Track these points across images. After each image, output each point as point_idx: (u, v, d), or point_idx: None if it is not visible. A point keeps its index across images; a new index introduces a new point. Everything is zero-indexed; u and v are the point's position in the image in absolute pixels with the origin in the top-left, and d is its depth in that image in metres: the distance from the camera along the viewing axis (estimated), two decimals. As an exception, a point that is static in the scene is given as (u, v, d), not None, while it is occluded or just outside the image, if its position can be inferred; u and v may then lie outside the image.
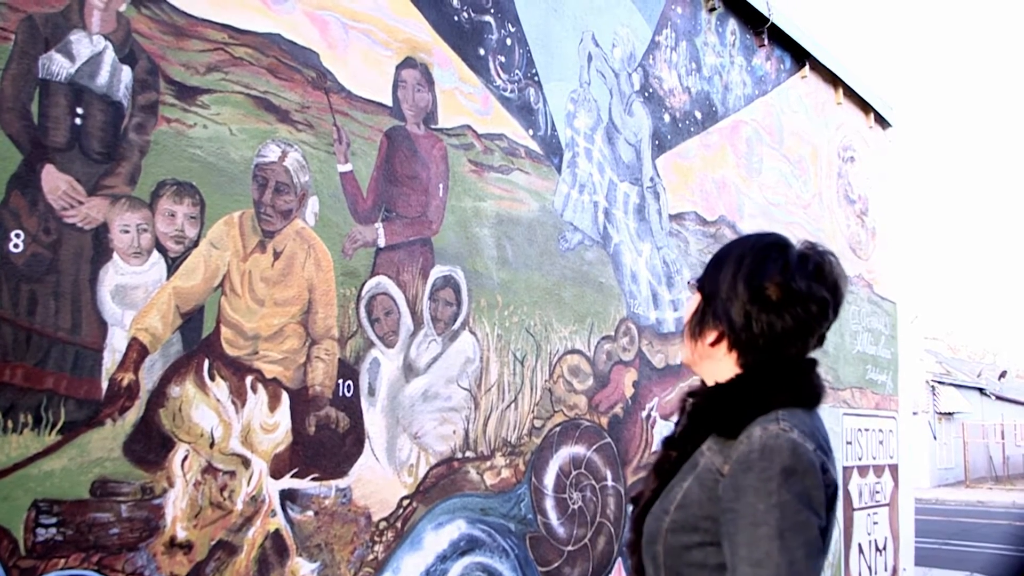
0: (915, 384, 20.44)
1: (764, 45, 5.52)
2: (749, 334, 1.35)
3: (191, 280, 2.38)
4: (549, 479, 3.53)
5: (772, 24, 5.42)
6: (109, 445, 2.15)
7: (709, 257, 1.49)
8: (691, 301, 1.47)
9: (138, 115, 2.30)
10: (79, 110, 2.18)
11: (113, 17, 2.27)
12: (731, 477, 1.25)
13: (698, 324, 1.43)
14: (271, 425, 2.54)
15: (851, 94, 6.61)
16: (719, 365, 1.41)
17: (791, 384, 1.35)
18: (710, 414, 1.35)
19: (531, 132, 3.63)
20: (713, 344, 1.41)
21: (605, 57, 4.12)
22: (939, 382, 25.35)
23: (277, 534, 2.53)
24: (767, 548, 1.16)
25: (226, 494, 2.40)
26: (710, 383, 1.43)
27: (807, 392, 1.36)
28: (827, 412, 5.83)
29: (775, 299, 1.34)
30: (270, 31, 2.65)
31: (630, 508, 1.49)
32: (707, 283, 1.43)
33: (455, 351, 3.18)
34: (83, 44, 2.20)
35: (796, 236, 1.47)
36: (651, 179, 4.36)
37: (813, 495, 1.21)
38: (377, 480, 2.84)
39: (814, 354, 1.42)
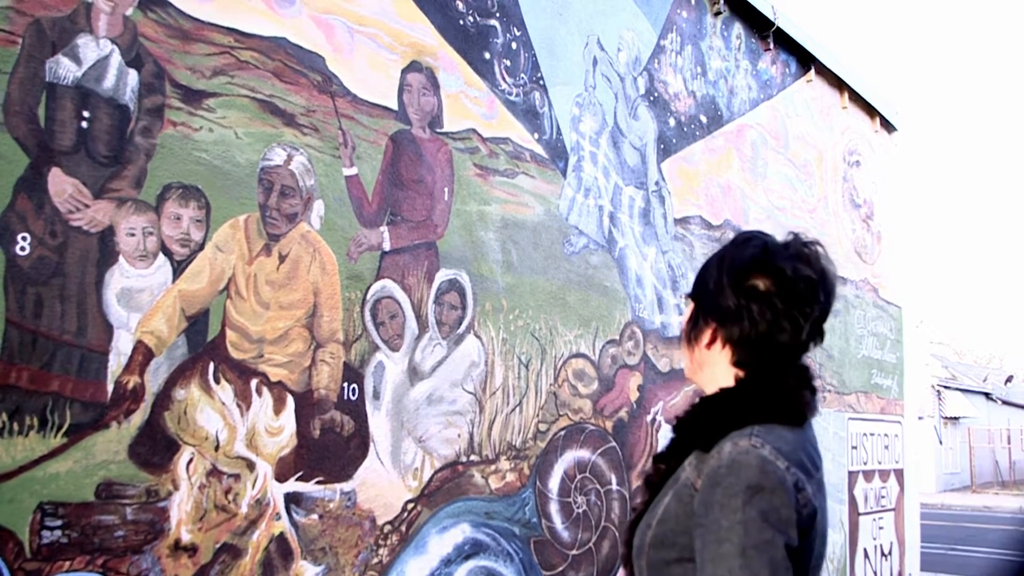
0: (921, 388, 20.38)
1: (769, 49, 5.51)
2: (740, 325, 1.35)
3: (196, 283, 2.39)
4: (554, 483, 3.53)
5: (777, 28, 5.42)
6: (114, 448, 2.16)
7: None
8: (686, 311, 1.49)
9: (144, 118, 2.31)
10: (85, 113, 2.18)
11: (120, 21, 2.28)
12: (701, 492, 1.24)
13: (692, 328, 1.45)
14: (276, 428, 2.54)
15: (857, 98, 6.61)
16: (716, 370, 1.41)
17: (774, 399, 1.33)
18: (691, 427, 1.36)
19: (536, 136, 3.63)
20: (708, 345, 1.41)
21: (610, 61, 4.12)
22: (945, 386, 25.27)
23: (282, 537, 2.53)
24: (729, 565, 1.15)
25: (231, 497, 2.40)
26: (709, 394, 1.43)
27: (793, 408, 1.34)
28: (832, 416, 5.82)
29: (762, 287, 1.34)
30: (276, 35, 2.66)
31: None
32: (697, 288, 1.45)
33: (460, 355, 3.17)
34: (90, 48, 2.21)
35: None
36: (656, 183, 4.35)
37: (782, 514, 1.19)
38: (382, 484, 2.84)
39: (818, 359, 1.44)
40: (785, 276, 1.34)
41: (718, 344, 1.40)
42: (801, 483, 1.25)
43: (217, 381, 2.41)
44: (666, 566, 1.29)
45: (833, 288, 1.39)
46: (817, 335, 1.39)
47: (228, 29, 2.53)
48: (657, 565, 1.30)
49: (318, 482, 2.64)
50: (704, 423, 1.33)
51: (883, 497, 6.48)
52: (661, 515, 1.31)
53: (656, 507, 1.34)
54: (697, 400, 1.42)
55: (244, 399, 2.47)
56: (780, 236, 1.43)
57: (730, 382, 1.38)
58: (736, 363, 1.38)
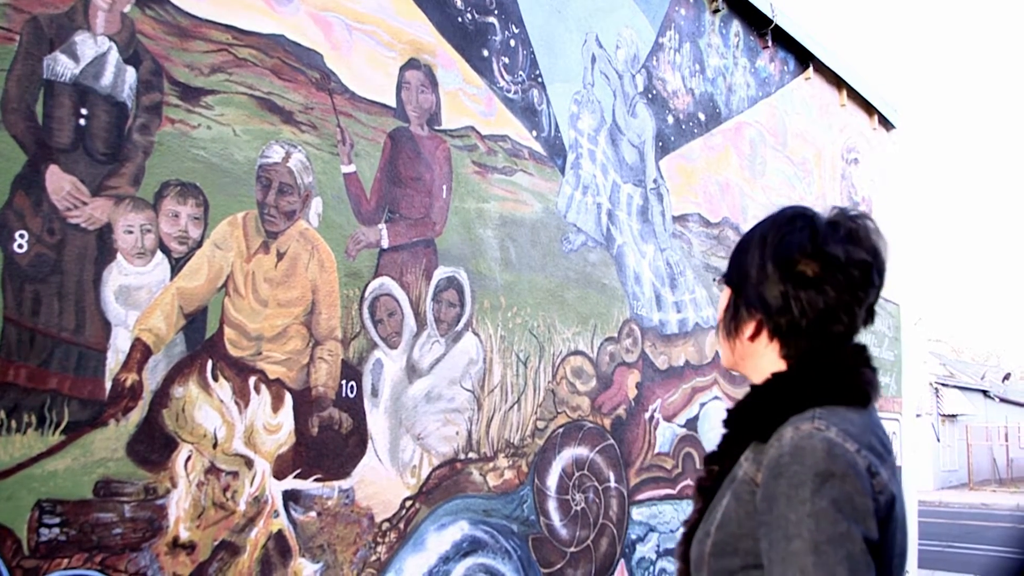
0: (918, 386, 20.41)
1: (768, 47, 5.51)
2: (789, 316, 1.21)
3: (195, 281, 2.39)
4: (552, 480, 3.53)
5: (776, 26, 5.42)
6: (112, 445, 2.16)
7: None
8: (722, 298, 1.34)
9: (142, 116, 2.31)
10: (83, 111, 2.18)
11: (117, 18, 2.27)
12: (763, 486, 1.11)
13: (732, 319, 1.30)
14: (274, 426, 2.54)
15: (855, 96, 6.61)
16: (762, 361, 1.27)
17: (834, 379, 1.20)
18: (745, 418, 1.23)
19: (535, 133, 3.63)
20: (752, 338, 1.27)
21: (609, 58, 4.12)
22: (942, 384, 25.29)
23: (280, 535, 2.53)
24: (800, 564, 1.01)
25: (229, 495, 2.40)
26: (758, 382, 1.28)
27: (855, 387, 1.20)
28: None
29: (811, 273, 1.20)
30: (274, 32, 2.65)
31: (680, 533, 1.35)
32: (734, 273, 1.30)
33: (458, 352, 3.18)
34: (87, 45, 2.20)
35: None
36: (654, 181, 4.35)
37: (856, 502, 1.05)
38: (380, 481, 2.84)
39: (864, 338, 1.28)
40: (839, 262, 1.20)
41: (764, 337, 1.26)
42: (874, 467, 1.10)
43: (215, 379, 2.41)
44: None
45: (885, 266, 1.25)
46: (869, 318, 1.27)
47: (226, 26, 2.52)
48: None
49: (316, 479, 2.64)
50: (759, 412, 1.20)
51: (881, 494, 6.49)
52: (720, 520, 1.17)
53: (713, 512, 1.20)
54: (748, 390, 1.27)
55: (242, 396, 2.46)
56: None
57: (777, 367, 1.25)
58: (785, 356, 1.24)
